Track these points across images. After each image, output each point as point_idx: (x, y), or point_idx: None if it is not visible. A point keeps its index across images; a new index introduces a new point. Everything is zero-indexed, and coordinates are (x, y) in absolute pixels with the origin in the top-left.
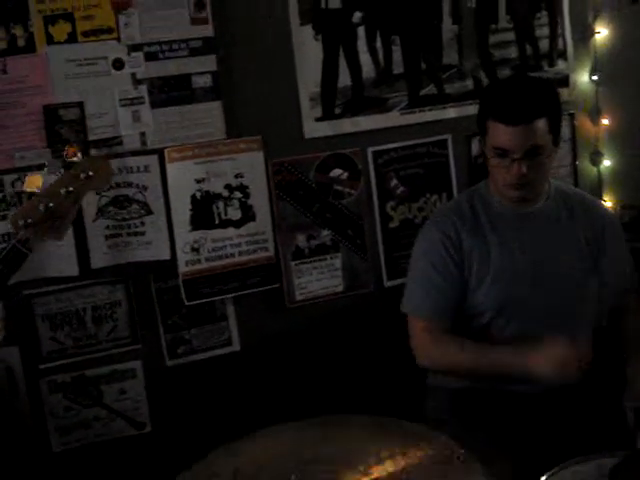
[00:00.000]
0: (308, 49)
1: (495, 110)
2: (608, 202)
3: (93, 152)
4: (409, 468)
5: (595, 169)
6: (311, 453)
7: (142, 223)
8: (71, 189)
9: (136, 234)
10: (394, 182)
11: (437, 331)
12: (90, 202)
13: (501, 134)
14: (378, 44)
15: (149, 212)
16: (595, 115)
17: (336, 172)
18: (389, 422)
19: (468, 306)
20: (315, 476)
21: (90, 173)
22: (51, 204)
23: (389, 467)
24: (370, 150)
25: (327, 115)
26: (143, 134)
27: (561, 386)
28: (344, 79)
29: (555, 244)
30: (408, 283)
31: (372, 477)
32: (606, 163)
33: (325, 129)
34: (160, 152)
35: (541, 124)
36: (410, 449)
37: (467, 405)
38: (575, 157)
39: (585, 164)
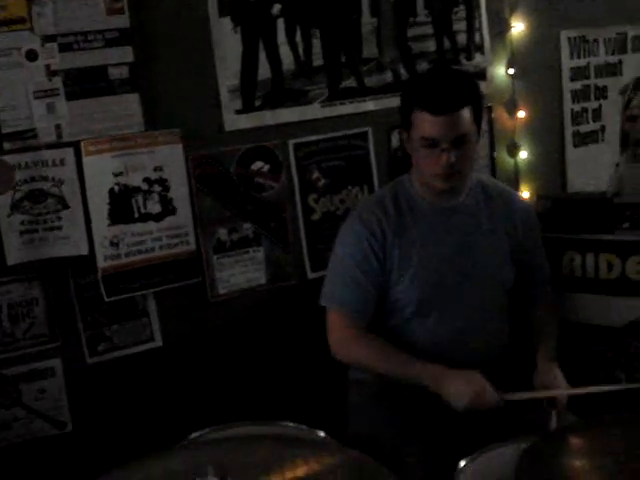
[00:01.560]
0: (227, 41)
1: (421, 101)
2: (524, 192)
3: (6, 146)
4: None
5: (512, 160)
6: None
7: (59, 218)
8: None
9: (52, 229)
10: (316, 174)
11: (356, 328)
12: (3, 197)
13: (429, 124)
14: (298, 37)
15: (66, 206)
16: (512, 108)
17: (257, 165)
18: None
19: (389, 301)
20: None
21: None
22: None
23: (301, 471)
24: (291, 142)
25: (247, 107)
26: (58, 127)
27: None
28: (264, 71)
29: (476, 238)
30: (329, 276)
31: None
32: (522, 155)
33: (245, 121)
34: (76, 145)
35: (466, 113)
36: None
37: (389, 397)
38: (493, 149)
39: (502, 155)
